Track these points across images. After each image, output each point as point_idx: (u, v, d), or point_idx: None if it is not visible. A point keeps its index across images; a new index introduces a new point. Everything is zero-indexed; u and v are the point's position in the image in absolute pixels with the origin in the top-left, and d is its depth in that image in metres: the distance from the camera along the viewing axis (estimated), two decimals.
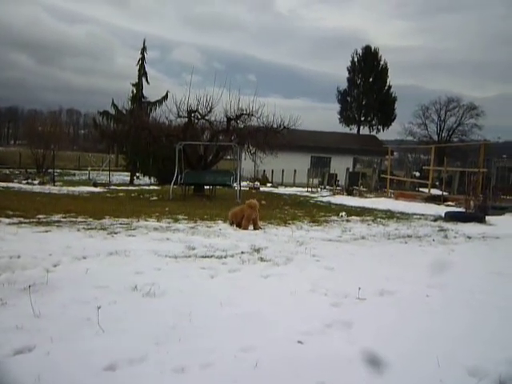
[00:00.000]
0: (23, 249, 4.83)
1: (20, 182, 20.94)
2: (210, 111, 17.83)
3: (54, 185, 21.48)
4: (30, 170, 31.14)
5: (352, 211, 12.29)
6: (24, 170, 30.80)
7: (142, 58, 34.94)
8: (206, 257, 5.00)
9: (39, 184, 21.08)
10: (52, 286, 3.44)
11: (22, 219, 7.66)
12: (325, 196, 20.32)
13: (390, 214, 11.76)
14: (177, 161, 15.78)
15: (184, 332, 2.59)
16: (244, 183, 24.62)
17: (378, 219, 10.34)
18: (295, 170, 31.38)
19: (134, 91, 33.82)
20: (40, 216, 8.24)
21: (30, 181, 22.20)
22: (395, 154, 36.07)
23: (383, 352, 2.47)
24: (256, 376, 2.12)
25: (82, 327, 2.61)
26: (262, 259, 4.96)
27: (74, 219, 8.14)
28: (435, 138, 48.03)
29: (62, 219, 8.07)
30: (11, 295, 3.11)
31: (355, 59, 52.67)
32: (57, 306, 2.95)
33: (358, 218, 10.36)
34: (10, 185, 18.90)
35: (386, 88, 52.10)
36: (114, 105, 29.49)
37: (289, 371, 2.16)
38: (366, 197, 19.26)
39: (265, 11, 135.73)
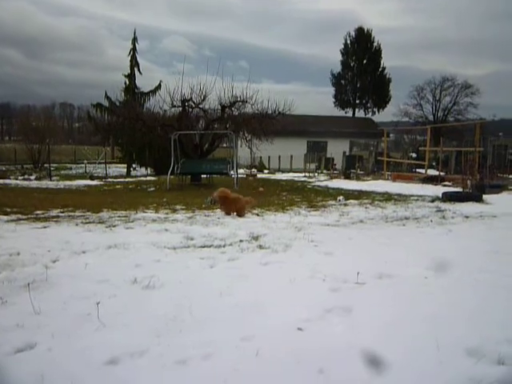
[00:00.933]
0: (22, 246, 4.83)
1: (16, 178, 20.86)
2: (203, 99, 17.76)
3: (51, 180, 21.42)
4: (26, 165, 30.99)
5: (350, 195, 12.30)
6: (20, 166, 30.64)
7: (134, 49, 34.59)
8: (204, 246, 5.01)
9: (36, 179, 21.01)
10: (52, 282, 3.45)
11: (20, 216, 7.66)
12: (322, 180, 20.32)
13: (387, 197, 11.78)
14: (172, 151, 15.75)
15: (184, 324, 2.61)
16: (241, 170, 24.61)
17: (376, 202, 10.36)
18: (292, 156, 31.34)
19: (127, 82, 33.54)
20: (38, 212, 8.23)
21: (26, 176, 22.12)
22: (391, 135, 35.95)
23: (383, 336, 2.49)
24: (257, 364, 2.14)
25: (83, 323, 2.62)
26: (260, 247, 4.97)
27: (71, 213, 8.14)
28: (431, 118, 47.86)
29: (60, 214, 8.07)
30: (11, 293, 3.11)
31: (348, 41, 52.31)
32: (57, 303, 2.96)
33: (355, 202, 10.37)
34: (7, 181, 18.83)
35: (380, 70, 51.84)
36: (107, 97, 29.25)
37: (289, 359, 2.18)
38: (364, 180, 19.27)
39: None
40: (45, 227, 6.47)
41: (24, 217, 7.56)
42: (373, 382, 2.00)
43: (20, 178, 21.48)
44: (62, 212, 8.33)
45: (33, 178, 21.78)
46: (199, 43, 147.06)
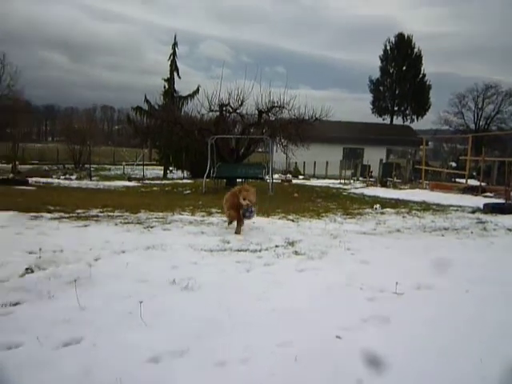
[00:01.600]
0: (65, 243, 5.00)
1: (58, 178, 21.63)
2: (241, 104, 17.92)
3: (91, 180, 22.09)
4: (67, 165, 32.08)
5: (386, 203, 12.12)
6: (62, 166, 31.77)
7: (174, 53, 35.33)
8: (240, 250, 5.05)
9: (76, 179, 21.73)
10: (94, 279, 3.57)
11: (62, 214, 7.91)
12: (358, 188, 20.10)
13: (425, 206, 11.53)
14: (209, 154, 15.94)
15: (223, 326, 2.64)
16: (276, 176, 24.63)
17: (413, 211, 10.17)
18: (327, 162, 31.16)
19: (166, 86, 34.24)
20: (79, 211, 8.49)
21: (67, 176, 22.91)
22: (430, 144, 35.24)
23: (421, 347, 2.45)
24: (295, 370, 2.15)
25: (126, 320, 2.70)
26: (296, 253, 4.97)
27: (111, 213, 8.35)
28: (472, 126, 46.60)
29: (100, 214, 8.29)
30: (57, 288, 3.24)
31: (388, 47, 51.66)
32: (100, 300, 3.06)
33: (392, 210, 10.21)
34: (50, 180, 19.54)
35: (420, 76, 50.91)
36: (146, 100, 29.98)
37: (328, 367, 2.18)
38: (401, 188, 18.94)
39: (291, 2, 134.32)
40: (85, 226, 6.67)
41: (66, 215, 7.81)
42: None
43: (62, 177, 22.26)
44: (102, 212, 8.56)
45: (74, 177, 22.54)
46: (237, 49, 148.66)
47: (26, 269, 3.80)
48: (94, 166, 32.58)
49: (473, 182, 18.08)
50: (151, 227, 6.68)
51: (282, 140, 18.88)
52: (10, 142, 26.83)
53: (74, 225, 6.76)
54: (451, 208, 11.01)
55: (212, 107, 18.03)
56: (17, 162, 23.02)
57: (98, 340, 2.39)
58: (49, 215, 7.65)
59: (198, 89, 30.70)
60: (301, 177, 30.13)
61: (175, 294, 3.32)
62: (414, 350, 2.44)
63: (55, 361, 2.14)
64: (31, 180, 16.81)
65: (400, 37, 51.35)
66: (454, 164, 25.30)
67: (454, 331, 2.73)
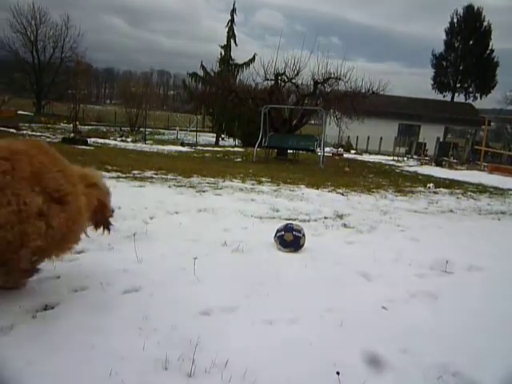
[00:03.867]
0: (122, 201, 5.21)
1: (115, 139, 22.37)
2: (297, 74, 17.68)
3: (146, 143, 22.69)
4: (124, 128, 33.06)
5: (440, 183, 11.77)
6: (119, 128, 32.79)
7: (232, 20, 35.02)
8: (289, 219, 5.11)
9: (132, 142, 22.38)
10: (150, 236, 3.76)
11: (119, 174, 8.25)
12: (411, 166, 19.55)
13: (482, 188, 11.11)
14: (262, 124, 15.93)
15: (272, 289, 2.74)
16: (327, 149, 24.33)
17: (469, 193, 9.83)
18: (381, 138, 30.34)
19: (222, 53, 34.17)
20: (135, 171, 8.82)
21: (124, 138, 23.64)
22: (492, 124, 33.48)
23: (467, 327, 2.45)
24: (340, 334, 2.21)
25: (180, 275, 2.85)
26: (345, 225, 4.98)
27: (164, 176, 8.61)
28: None
29: (154, 176, 8.57)
30: (116, 241, 3.44)
31: (455, 20, 48.77)
32: (156, 255, 3.23)
33: (446, 191, 9.92)
34: (107, 141, 20.26)
35: (488, 52, 47.91)
36: (202, 66, 30.14)
37: (372, 334, 2.23)
38: (457, 169, 18.27)
39: None
40: (141, 186, 6.93)
41: (123, 175, 8.13)
42: (451, 368, 1.99)
43: (118, 139, 23.00)
44: (156, 174, 8.84)
45: (129, 140, 23.23)
46: (292, 17, 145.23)
47: None
48: (149, 129, 33.42)
49: None
50: (203, 191, 6.86)
51: (337, 112, 18.55)
52: (71, 103, 27.85)
53: (131, 184, 7.03)
54: (510, 192, 10.55)
55: (267, 76, 17.91)
56: (77, 123, 23.92)
57: (154, 290, 2.54)
58: (107, 174, 7.99)
59: (254, 57, 30.54)
60: (353, 151, 29.58)
61: (226, 254, 3.44)
62: (461, 327, 2.44)
63: (117, 305, 2.31)
64: (90, 140, 17.50)
65: (469, 9, 48.22)
66: None
67: (502, 313, 2.69)
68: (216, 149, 23.67)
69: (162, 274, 2.82)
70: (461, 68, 48.82)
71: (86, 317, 2.13)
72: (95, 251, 3.21)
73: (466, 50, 47.98)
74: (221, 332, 2.11)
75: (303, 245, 3.75)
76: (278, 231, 3.77)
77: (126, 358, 1.81)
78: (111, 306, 2.28)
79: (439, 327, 2.41)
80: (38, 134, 20.00)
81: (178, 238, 3.80)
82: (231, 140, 32.54)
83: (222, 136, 33.95)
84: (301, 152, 17.34)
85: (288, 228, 3.73)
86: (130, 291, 2.53)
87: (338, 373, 1.80)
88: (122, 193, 6.12)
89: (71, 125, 24.57)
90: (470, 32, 47.60)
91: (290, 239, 3.66)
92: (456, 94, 49.73)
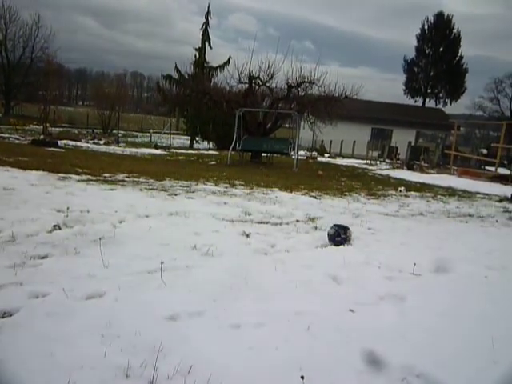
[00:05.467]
0: (91, 204, 5.14)
1: (87, 142, 21.96)
2: (271, 78, 17.68)
3: (118, 145, 22.37)
4: (96, 130, 32.52)
5: (411, 186, 11.96)
6: (91, 130, 32.22)
7: (206, 23, 34.87)
8: (262, 223, 5.10)
9: (104, 144, 22.01)
10: (118, 240, 3.68)
11: (90, 177, 8.09)
12: (384, 169, 19.84)
13: (451, 192, 11.35)
14: (236, 127, 15.91)
15: (240, 293, 2.72)
16: (301, 152, 24.47)
17: (439, 196, 10.03)
18: (354, 141, 30.70)
19: (197, 56, 34.00)
20: (106, 175, 8.67)
21: (96, 141, 23.22)
22: (462, 129, 34.28)
23: (434, 329, 2.48)
24: (306, 338, 2.21)
25: (146, 280, 2.80)
26: (316, 228, 5.01)
27: (136, 179, 8.50)
28: (508, 113, 45.10)
29: (126, 179, 8.45)
30: (83, 246, 3.37)
31: (426, 27, 49.86)
32: (123, 259, 3.17)
33: (417, 194, 10.09)
34: (79, 143, 19.90)
35: (457, 59, 49.15)
36: (176, 69, 29.85)
37: (338, 337, 2.23)
38: (427, 172, 18.62)
39: None
40: (112, 189, 6.82)
41: (93, 178, 7.99)
42: (415, 370, 2.00)
43: (90, 141, 22.58)
44: (128, 177, 8.71)
45: (102, 142, 22.83)
46: (264, 21, 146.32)
47: (54, 226, 3.95)
48: (122, 132, 32.95)
49: (503, 171, 17.61)
50: (175, 195, 6.79)
51: (310, 116, 18.66)
52: (41, 104, 27.22)
53: (101, 188, 6.91)
54: (478, 195, 10.81)
55: (242, 79, 17.89)
56: (48, 124, 23.39)
57: (119, 296, 2.49)
58: (77, 177, 7.84)
59: (228, 60, 30.43)
60: (326, 155, 29.82)
61: (195, 258, 3.41)
62: (428, 329, 2.47)
63: (80, 311, 2.25)
64: (61, 142, 17.14)
65: (439, 16, 49.43)
66: (484, 151, 24.58)
67: (468, 314, 2.73)
68: (190, 152, 23.52)
69: (128, 279, 2.77)
70: (431, 74, 49.95)
71: (46, 324, 2.06)
72: (60, 256, 3.13)
73: (436, 57, 49.12)
74: (186, 337, 2.08)
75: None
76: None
77: (86, 366, 1.76)
78: (73, 312, 2.22)
79: (405, 329, 2.43)
80: (7, 135, 19.47)
81: (147, 242, 3.74)
82: (206, 143, 32.38)
83: (197, 139, 33.72)
84: (275, 155, 17.38)
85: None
86: (94, 297, 2.47)
87: (302, 377, 1.79)
88: (91, 196, 6.03)
89: (41, 126, 24.01)
90: (440, 39, 48.77)
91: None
92: (427, 99, 50.84)
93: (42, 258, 2.99)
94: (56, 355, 1.81)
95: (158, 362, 1.81)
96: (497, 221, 6.84)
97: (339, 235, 4.36)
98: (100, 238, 3.38)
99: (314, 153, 27.88)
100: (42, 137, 18.15)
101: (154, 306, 2.39)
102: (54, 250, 3.14)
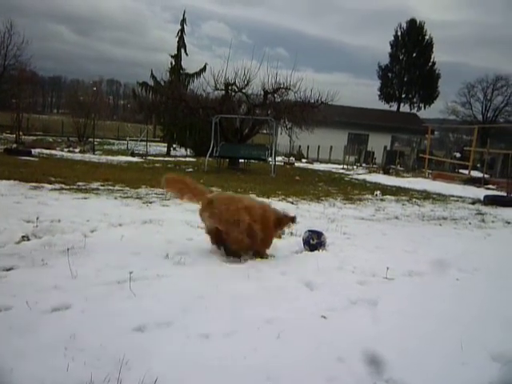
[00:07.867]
0: (63, 214, 5.04)
1: (62, 150, 21.61)
2: (247, 84, 17.76)
3: (94, 153, 22.06)
4: (71, 138, 32.03)
5: (387, 190, 12.12)
6: (66, 139, 31.72)
7: (182, 30, 34.94)
8: None
9: (80, 152, 21.69)
10: (89, 250, 3.60)
11: (63, 185, 7.95)
12: (360, 174, 20.06)
13: (426, 195, 11.54)
14: (213, 133, 15.88)
15: (211, 302, 2.67)
16: (279, 158, 24.56)
17: (414, 199, 10.18)
18: (331, 147, 31.00)
19: (173, 63, 33.93)
20: (80, 183, 8.53)
21: (71, 149, 22.87)
22: (436, 133, 34.97)
23: (405, 332, 2.48)
24: (277, 346, 2.18)
25: (115, 290, 2.73)
26: (291, 234, 4.99)
27: (111, 187, 8.38)
28: (480, 117, 46.15)
29: (100, 187, 8.32)
30: (51, 257, 3.28)
31: (399, 33, 50.82)
32: (92, 269, 3.09)
33: (392, 198, 10.22)
34: (53, 152, 19.55)
35: (430, 64, 50.20)
36: (152, 76, 29.71)
37: (309, 344, 2.21)
38: (403, 176, 18.90)
39: None
40: (85, 198, 6.71)
41: (67, 187, 7.85)
42: (385, 374, 2.00)
43: (65, 149, 22.23)
44: (102, 185, 8.59)
45: (77, 150, 22.49)
46: (238, 28, 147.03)
47: (22, 236, 3.86)
48: (98, 139, 32.56)
49: (476, 174, 18.00)
50: (150, 202, 6.72)
51: (287, 122, 18.77)
52: (14, 113, 26.67)
53: (74, 197, 6.79)
54: (452, 198, 11.01)
55: (218, 86, 17.90)
56: (21, 133, 22.91)
57: (86, 307, 2.42)
58: (49, 186, 7.69)
59: (204, 67, 30.51)
60: (304, 160, 30.02)
61: (167, 267, 3.35)
62: (399, 332, 2.47)
63: (43, 324, 2.18)
64: (35, 151, 16.81)
65: (412, 23, 50.46)
66: (458, 154, 25.12)
67: (439, 317, 2.75)
68: (167, 159, 23.35)
69: (96, 290, 2.70)
70: (405, 79, 50.90)
71: (6, 339, 1.99)
72: (26, 268, 3.04)
73: (409, 62, 50.11)
74: (153, 348, 2.02)
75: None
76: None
77: (48, 382, 1.70)
78: (36, 325, 2.15)
79: (377, 333, 2.43)
80: None
81: (119, 252, 3.67)
82: (183, 150, 32.21)
83: (174, 146, 33.54)
84: (252, 161, 17.40)
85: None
86: (60, 309, 2.39)
87: None
88: (63, 205, 5.90)
89: (14, 135, 23.50)
90: (413, 45, 49.77)
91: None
92: (402, 104, 51.74)
93: (7, 270, 2.90)
94: (15, 371, 1.74)
95: (121, 374, 1.76)
96: (470, 223, 6.97)
97: (313, 240, 4.34)
98: (68, 249, 3.29)
99: (291, 158, 28.04)
100: (14, 145, 17.75)
101: (121, 317, 2.33)
102: (20, 261, 3.05)
